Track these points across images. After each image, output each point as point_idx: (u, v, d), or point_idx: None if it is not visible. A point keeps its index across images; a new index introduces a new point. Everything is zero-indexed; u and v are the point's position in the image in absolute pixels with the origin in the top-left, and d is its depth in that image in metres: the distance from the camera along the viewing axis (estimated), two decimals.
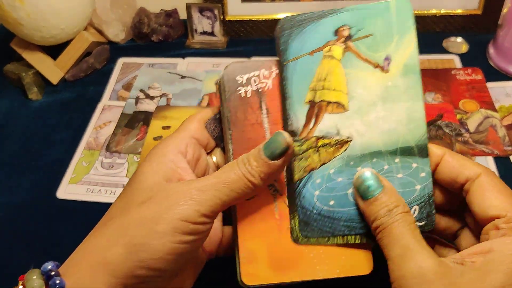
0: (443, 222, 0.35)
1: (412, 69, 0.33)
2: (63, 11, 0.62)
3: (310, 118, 0.33)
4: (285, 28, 0.34)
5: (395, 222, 0.29)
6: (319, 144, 0.33)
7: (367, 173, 0.31)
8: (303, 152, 0.33)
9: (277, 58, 0.34)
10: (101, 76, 0.69)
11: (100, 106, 0.64)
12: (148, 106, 0.63)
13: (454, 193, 0.33)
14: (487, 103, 0.59)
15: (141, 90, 0.65)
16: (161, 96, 0.64)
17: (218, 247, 0.37)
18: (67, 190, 0.54)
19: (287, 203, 0.34)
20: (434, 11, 0.69)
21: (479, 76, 0.62)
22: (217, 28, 0.71)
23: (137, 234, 0.29)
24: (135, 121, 0.61)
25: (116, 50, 0.72)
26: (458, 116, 0.57)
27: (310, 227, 0.33)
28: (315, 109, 0.33)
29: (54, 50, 0.66)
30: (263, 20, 0.71)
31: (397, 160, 0.33)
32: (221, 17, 0.70)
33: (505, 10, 0.61)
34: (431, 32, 0.70)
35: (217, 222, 0.37)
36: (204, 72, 0.67)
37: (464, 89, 0.61)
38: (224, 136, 0.35)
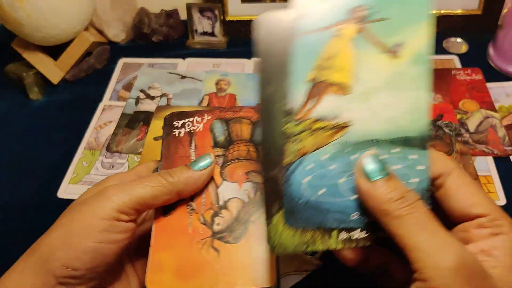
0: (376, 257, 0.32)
1: (423, 58, 0.31)
2: (64, 11, 0.62)
3: (309, 98, 0.31)
4: None
5: (415, 208, 0.27)
6: (315, 126, 0.31)
7: (376, 154, 0.29)
8: (297, 134, 0.31)
9: (210, 108, 0.36)
10: (101, 76, 0.69)
11: (100, 106, 0.64)
12: (148, 106, 0.63)
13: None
14: (487, 103, 0.59)
15: (142, 90, 0.65)
16: (161, 96, 0.64)
17: None
18: (67, 190, 0.54)
19: (204, 220, 0.35)
20: (434, 11, 0.69)
21: (479, 76, 0.62)
22: (217, 28, 0.71)
23: (57, 235, 0.31)
24: (135, 121, 0.61)
25: (116, 50, 0.72)
26: (458, 116, 0.57)
27: (295, 217, 0.31)
28: (316, 89, 0.32)
29: (55, 50, 0.67)
30: None
31: (395, 150, 0.31)
32: (221, 17, 0.70)
33: (505, 10, 0.61)
34: None
35: None
36: (204, 72, 0.67)
37: (464, 89, 0.61)
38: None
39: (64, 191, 0.54)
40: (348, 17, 0.31)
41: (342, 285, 0.34)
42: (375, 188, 0.28)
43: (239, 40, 0.72)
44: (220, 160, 0.38)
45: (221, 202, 0.36)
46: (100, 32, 0.72)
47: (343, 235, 0.31)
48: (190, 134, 0.40)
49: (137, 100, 0.64)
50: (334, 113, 0.31)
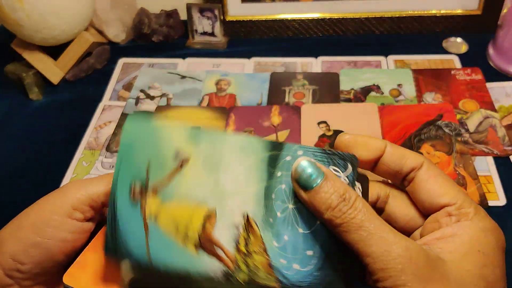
0: None
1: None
2: (63, 12, 0.62)
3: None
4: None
5: (357, 209, 0.27)
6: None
7: (303, 162, 0.28)
8: None
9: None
10: (101, 76, 0.69)
11: (100, 106, 0.64)
12: (148, 106, 0.63)
13: None
14: (487, 103, 0.59)
15: (142, 90, 0.65)
16: (161, 96, 0.64)
17: None
18: None
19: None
20: (434, 11, 0.69)
21: (479, 76, 0.62)
22: (217, 28, 0.71)
23: (8, 228, 0.32)
24: None
25: (116, 51, 0.72)
26: (458, 116, 0.57)
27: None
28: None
29: (55, 50, 0.67)
30: (263, 20, 0.71)
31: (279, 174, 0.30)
32: (221, 18, 0.70)
33: (505, 10, 0.62)
34: (431, 32, 0.70)
35: None
36: (204, 72, 0.67)
37: (464, 89, 0.61)
38: None
39: None
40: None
41: None
42: (313, 196, 0.28)
43: (239, 40, 0.72)
44: None
45: None
46: (100, 32, 0.72)
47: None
48: None
49: (137, 100, 0.64)
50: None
